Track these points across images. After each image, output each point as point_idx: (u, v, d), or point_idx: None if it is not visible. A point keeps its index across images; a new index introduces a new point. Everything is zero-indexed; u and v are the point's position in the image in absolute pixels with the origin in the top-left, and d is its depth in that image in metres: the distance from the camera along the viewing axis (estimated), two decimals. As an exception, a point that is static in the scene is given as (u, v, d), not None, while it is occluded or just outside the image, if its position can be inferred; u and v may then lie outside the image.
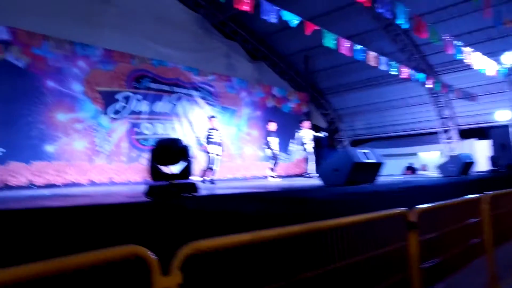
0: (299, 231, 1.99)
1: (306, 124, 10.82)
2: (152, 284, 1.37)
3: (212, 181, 8.55)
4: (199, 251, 1.54)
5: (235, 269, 1.67)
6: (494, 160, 9.99)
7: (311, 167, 10.57)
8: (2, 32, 8.52)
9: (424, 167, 17.55)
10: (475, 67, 11.12)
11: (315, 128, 12.15)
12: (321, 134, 11.04)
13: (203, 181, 8.34)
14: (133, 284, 1.41)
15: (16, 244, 1.85)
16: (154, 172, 2.65)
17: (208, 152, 8.60)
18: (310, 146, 10.49)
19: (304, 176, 10.46)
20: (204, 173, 8.53)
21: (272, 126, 10.26)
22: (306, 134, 10.59)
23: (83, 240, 2.02)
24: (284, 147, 14.39)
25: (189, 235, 2.39)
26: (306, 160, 10.67)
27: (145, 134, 11.08)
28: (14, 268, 1.06)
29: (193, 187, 2.69)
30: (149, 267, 1.38)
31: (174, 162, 2.56)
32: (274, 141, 10.13)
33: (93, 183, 9.65)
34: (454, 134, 16.06)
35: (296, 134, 10.67)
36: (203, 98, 12.80)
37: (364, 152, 4.70)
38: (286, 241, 1.91)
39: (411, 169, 16.40)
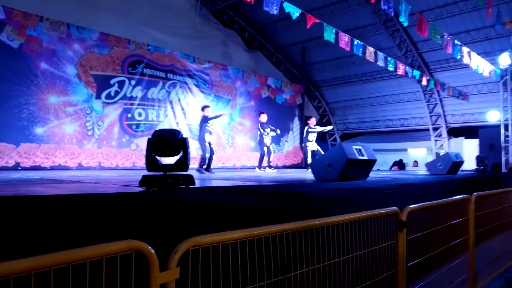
0: (294, 228, 2.02)
1: (313, 121, 10.75)
2: (150, 279, 1.38)
3: (209, 170, 8.47)
4: (197, 247, 1.55)
5: (231, 263, 1.69)
6: (480, 159, 10.09)
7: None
8: (-3, 11, 8.35)
9: (415, 164, 17.70)
10: (472, 67, 11.18)
11: (321, 123, 12.30)
12: (329, 127, 11.34)
13: (199, 171, 8.28)
14: (128, 278, 1.41)
15: (5, 236, 1.81)
16: (151, 162, 2.65)
17: (205, 142, 8.53)
18: (315, 143, 10.43)
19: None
20: (200, 162, 8.47)
21: (264, 118, 10.12)
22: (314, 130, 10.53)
23: (76, 231, 2.01)
24: (276, 139, 14.37)
25: (184, 227, 2.41)
26: (310, 154, 10.40)
27: (137, 120, 11.01)
28: (8, 262, 1.05)
29: (190, 179, 2.69)
30: (148, 262, 1.39)
31: (172, 153, 2.56)
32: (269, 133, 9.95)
33: (81, 167, 9.60)
34: (443, 131, 16.22)
35: (306, 129, 10.54)
36: (197, 86, 12.71)
37: (358, 149, 4.73)
38: (281, 237, 1.94)
39: (398, 165, 16.51)
